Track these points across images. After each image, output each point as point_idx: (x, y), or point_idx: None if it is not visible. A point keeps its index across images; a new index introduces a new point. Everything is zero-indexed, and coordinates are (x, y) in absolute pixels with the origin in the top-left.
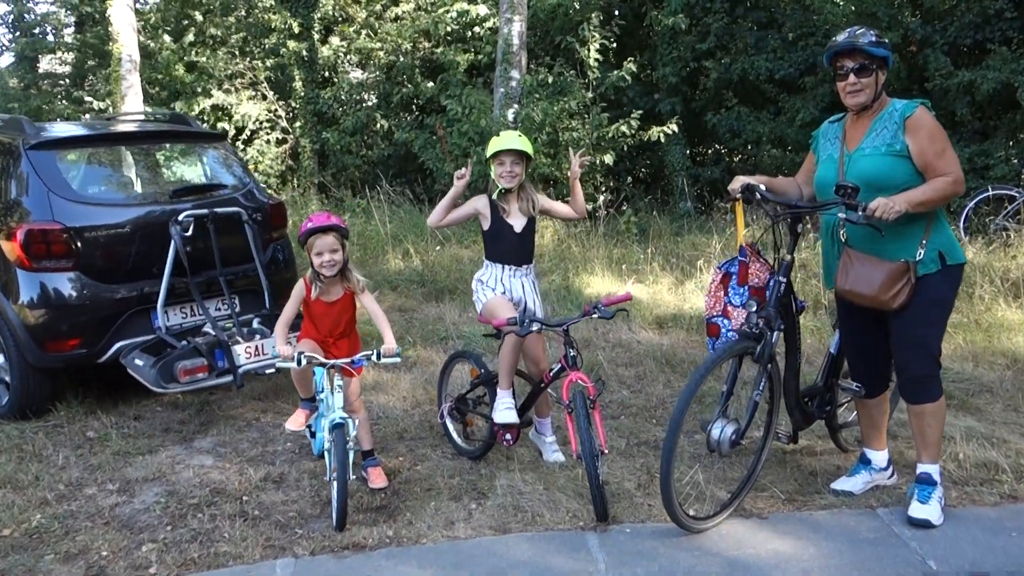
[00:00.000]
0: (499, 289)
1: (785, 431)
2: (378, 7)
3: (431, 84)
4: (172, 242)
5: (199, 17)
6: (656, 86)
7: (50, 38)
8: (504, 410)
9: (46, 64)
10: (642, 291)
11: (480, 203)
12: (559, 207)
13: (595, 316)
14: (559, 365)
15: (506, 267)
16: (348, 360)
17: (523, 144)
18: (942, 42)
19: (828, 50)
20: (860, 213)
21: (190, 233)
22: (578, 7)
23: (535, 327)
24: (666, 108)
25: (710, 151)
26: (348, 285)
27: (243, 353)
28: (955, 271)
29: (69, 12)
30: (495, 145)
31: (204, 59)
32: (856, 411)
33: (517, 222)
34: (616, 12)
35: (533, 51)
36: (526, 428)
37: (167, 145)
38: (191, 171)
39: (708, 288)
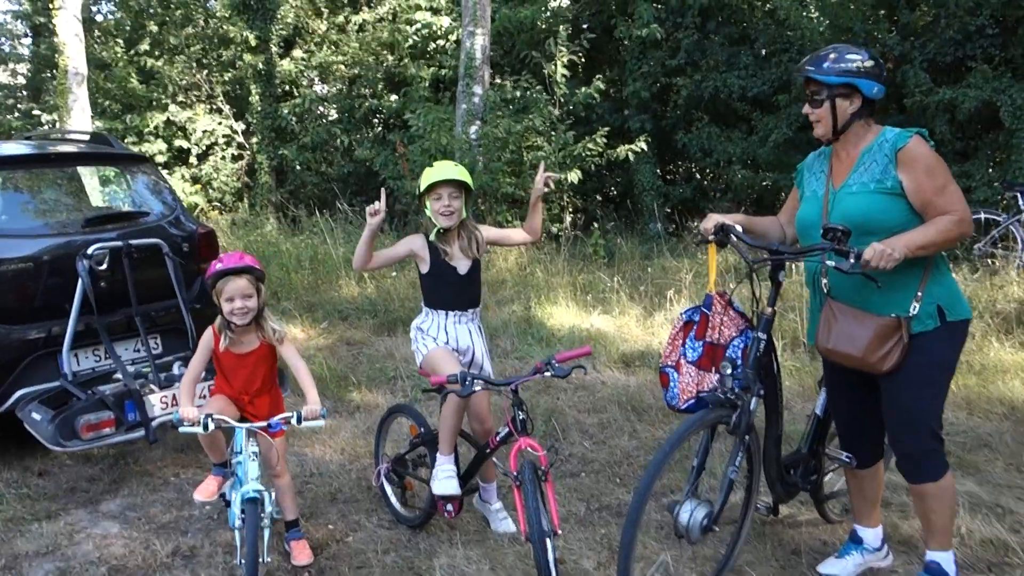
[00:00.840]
0: (441, 338)
1: (764, 501)
2: (340, 19)
3: (395, 98)
4: (80, 278)
5: (154, 28)
6: (626, 102)
7: (6, 49)
8: (444, 479)
9: (7, 76)
10: (608, 323)
11: (416, 243)
12: (510, 234)
13: (548, 375)
14: (506, 429)
15: (450, 313)
16: (263, 424)
17: (461, 174)
18: (921, 59)
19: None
20: (852, 261)
21: (105, 267)
22: (544, 20)
23: (478, 387)
24: (635, 125)
25: (681, 169)
26: (263, 335)
27: (158, 403)
28: (958, 328)
29: (23, 22)
30: (428, 177)
31: (159, 64)
32: (845, 479)
33: (461, 263)
34: (585, 25)
35: (499, 66)
36: (470, 495)
37: (85, 168)
38: (111, 197)
39: (670, 332)
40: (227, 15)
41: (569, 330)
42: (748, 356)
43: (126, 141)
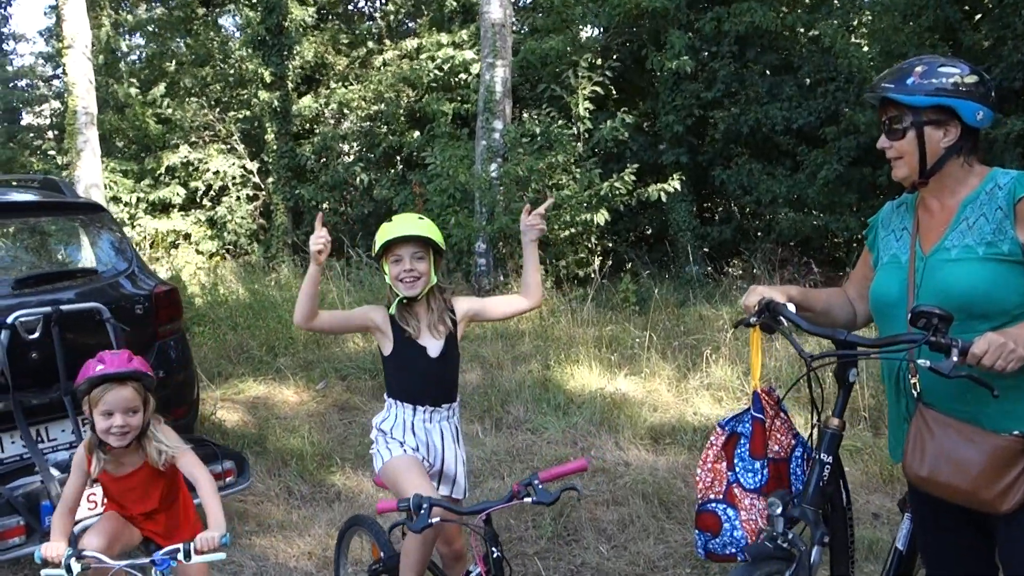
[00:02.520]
0: (409, 442)
1: None
2: (362, 52)
3: (418, 134)
4: None
5: (172, 67)
6: (660, 137)
7: (34, 91)
8: None
9: (32, 117)
10: (636, 386)
11: (377, 316)
12: (499, 305)
13: (528, 500)
14: (476, 569)
15: (417, 408)
16: (147, 561)
17: (426, 229)
18: None
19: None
20: (955, 359)
21: (38, 335)
22: (571, 52)
23: (436, 519)
24: (669, 160)
25: (719, 208)
26: (147, 457)
27: (85, 503)
28: None
29: (50, 64)
30: (384, 234)
31: (171, 112)
32: None
33: (431, 342)
34: (615, 56)
35: (524, 100)
36: None
37: (29, 219)
38: (57, 251)
39: (703, 456)
40: (244, 53)
41: (590, 395)
42: (808, 486)
43: (143, 184)
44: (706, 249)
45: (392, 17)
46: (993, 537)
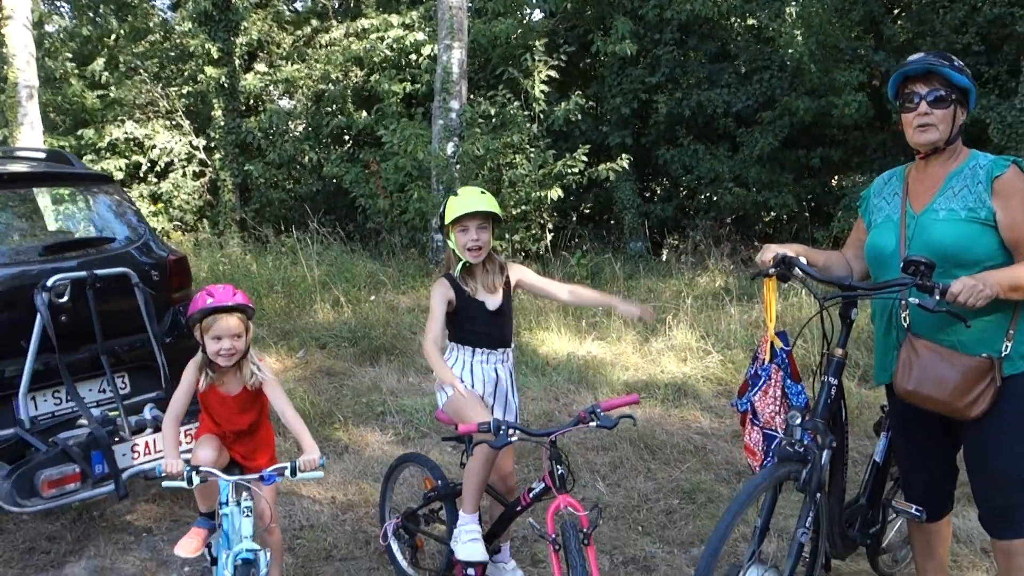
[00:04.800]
0: (468, 380)
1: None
2: (308, 30)
3: (365, 114)
4: (38, 314)
5: (111, 42)
6: (604, 119)
7: None
8: (469, 542)
9: None
10: (604, 350)
11: (448, 291)
12: (543, 285)
13: (593, 425)
14: (541, 484)
15: (477, 350)
16: (256, 476)
17: (490, 203)
18: None
19: (896, 74)
20: (937, 298)
21: (66, 299)
22: (520, 35)
23: (514, 437)
24: (615, 141)
25: (660, 187)
26: (242, 378)
27: (130, 452)
28: None
29: None
30: (456, 208)
31: (113, 88)
32: (908, 533)
33: (489, 299)
34: (562, 40)
35: (475, 80)
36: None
37: (41, 189)
38: (71, 221)
39: (770, 394)
40: (187, 28)
41: (565, 358)
42: (818, 403)
43: (83, 158)
44: (648, 229)
45: None
46: (957, 444)
